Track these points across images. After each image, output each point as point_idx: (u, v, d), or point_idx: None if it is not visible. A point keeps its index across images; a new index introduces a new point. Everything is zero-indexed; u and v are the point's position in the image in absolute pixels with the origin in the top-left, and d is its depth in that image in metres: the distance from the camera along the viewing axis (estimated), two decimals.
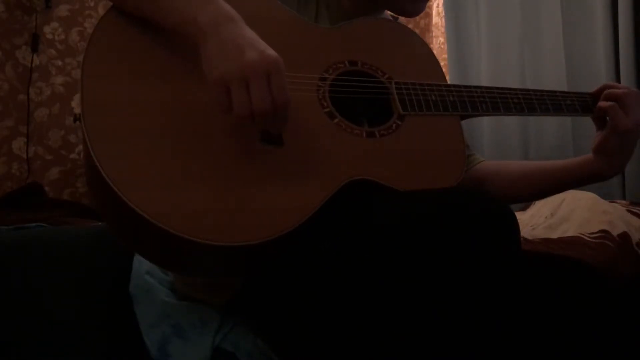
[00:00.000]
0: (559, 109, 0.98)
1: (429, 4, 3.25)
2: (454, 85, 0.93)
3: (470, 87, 0.94)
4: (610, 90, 0.96)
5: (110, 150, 0.68)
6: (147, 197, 0.66)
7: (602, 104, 0.95)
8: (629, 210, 1.61)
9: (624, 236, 1.41)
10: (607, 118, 0.95)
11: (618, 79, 2.03)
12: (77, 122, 2.25)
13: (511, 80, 2.40)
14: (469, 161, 1.07)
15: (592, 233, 1.43)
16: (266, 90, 0.67)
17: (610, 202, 1.70)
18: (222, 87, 0.68)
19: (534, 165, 1.04)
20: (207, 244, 0.66)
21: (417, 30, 3.03)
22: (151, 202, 0.66)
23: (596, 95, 0.99)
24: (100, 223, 1.41)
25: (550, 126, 2.28)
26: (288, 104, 0.70)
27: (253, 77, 0.67)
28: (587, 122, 2.19)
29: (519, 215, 1.80)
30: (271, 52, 0.68)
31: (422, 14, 3.58)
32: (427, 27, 3.22)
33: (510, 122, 2.41)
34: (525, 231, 1.60)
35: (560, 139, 2.23)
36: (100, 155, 0.67)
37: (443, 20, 2.92)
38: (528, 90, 0.98)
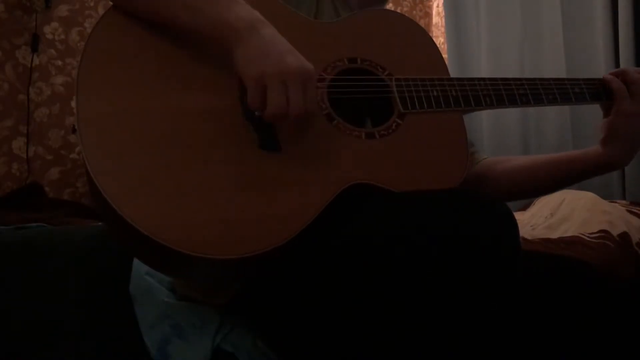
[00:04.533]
0: (567, 98, 0.95)
1: (429, 3, 3.25)
2: (457, 79, 0.90)
3: (473, 79, 0.91)
4: (625, 69, 0.95)
5: (106, 163, 0.68)
6: (143, 211, 0.66)
7: (612, 80, 0.93)
8: (629, 210, 1.61)
9: (624, 236, 1.41)
10: (614, 103, 0.93)
11: None
12: (75, 133, 2.25)
13: None
14: (471, 159, 1.05)
15: (592, 233, 1.43)
16: (301, 95, 0.72)
17: (610, 202, 1.70)
18: (260, 85, 0.71)
19: (540, 158, 1.01)
20: (204, 258, 0.66)
21: None
22: (147, 216, 0.66)
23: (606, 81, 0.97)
24: (100, 223, 1.41)
25: (550, 126, 2.28)
26: (314, 113, 0.77)
27: (292, 81, 0.71)
28: (586, 123, 2.20)
29: (519, 216, 1.80)
30: (308, 63, 0.73)
31: (422, 14, 3.54)
32: (427, 27, 3.22)
33: (510, 123, 2.41)
34: (525, 231, 1.60)
35: (559, 139, 2.23)
36: (96, 169, 0.67)
37: (443, 20, 2.91)
38: (534, 79, 0.95)
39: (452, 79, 0.90)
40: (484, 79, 0.92)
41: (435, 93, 0.87)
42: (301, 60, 0.73)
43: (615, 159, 0.93)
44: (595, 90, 0.96)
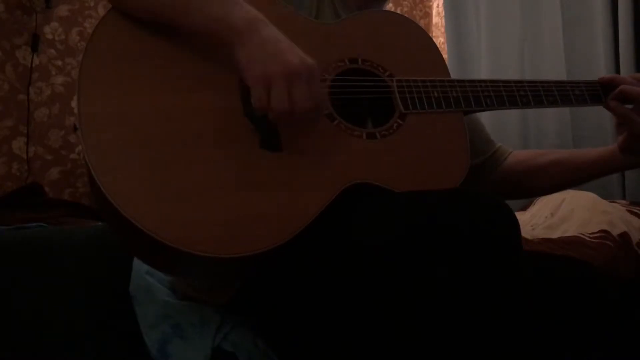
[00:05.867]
0: (568, 100, 0.96)
1: (429, 3, 3.25)
2: (458, 80, 0.91)
3: (474, 81, 0.91)
4: (624, 87, 0.94)
5: (107, 162, 0.68)
6: (144, 209, 0.66)
7: (618, 108, 0.94)
8: (629, 210, 1.61)
9: (624, 236, 1.41)
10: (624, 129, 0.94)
11: None
12: (77, 131, 2.25)
13: None
14: (496, 157, 1.08)
15: (592, 233, 1.43)
16: (307, 92, 0.72)
17: (610, 202, 1.70)
18: (264, 84, 0.71)
19: (565, 157, 1.04)
20: (204, 256, 0.66)
21: None
22: (148, 214, 0.66)
23: (606, 84, 0.97)
24: (100, 223, 1.41)
25: (550, 126, 2.28)
26: (323, 108, 0.77)
27: (296, 78, 0.71)
28: (586, 122, 2.19)
29: (519, 216, 1.80)
30: (310, 59, 0.73)
31: (422, 14, 3.54)
32: (427, 27, 3.22)
33: (510, 122, 2.41)
34: (525, 231, 1.60)
35: (559, 138, 2.23)
36: (96, 167, 0.67)
37: (443, 20, 2.92)
38: (535, 81, 0.95)
39: (452, 80, 0.91)
40: (484, 81, 0.92)
41: (436, 94, 0.87)
42: (303, 57, 0.73)
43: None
44: (595, 93, 0.97)
